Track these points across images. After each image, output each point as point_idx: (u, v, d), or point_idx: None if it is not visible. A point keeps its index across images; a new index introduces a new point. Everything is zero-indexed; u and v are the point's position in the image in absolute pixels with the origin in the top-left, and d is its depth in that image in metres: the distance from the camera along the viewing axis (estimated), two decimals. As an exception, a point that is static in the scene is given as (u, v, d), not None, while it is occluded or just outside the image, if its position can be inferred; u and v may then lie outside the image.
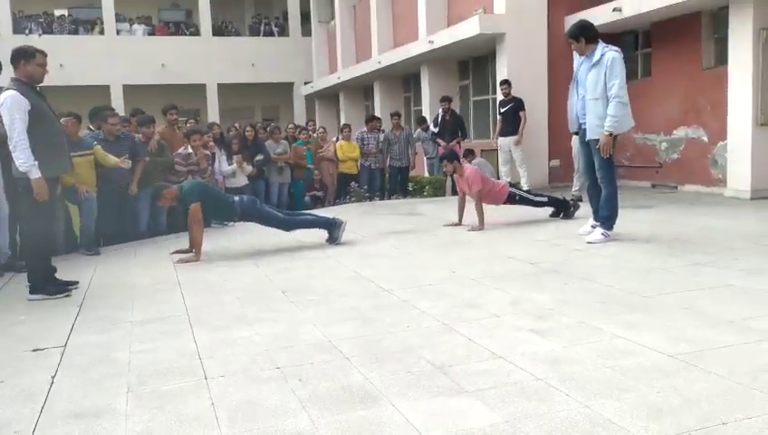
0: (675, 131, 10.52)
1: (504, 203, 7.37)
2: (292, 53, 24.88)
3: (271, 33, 26.27)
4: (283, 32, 26.47)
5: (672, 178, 10.60)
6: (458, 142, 11.63)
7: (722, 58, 9.39)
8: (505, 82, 10.84)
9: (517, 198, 7.42)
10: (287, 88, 25.46)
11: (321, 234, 6.71)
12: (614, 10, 10.28)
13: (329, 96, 22.53)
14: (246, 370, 3.09)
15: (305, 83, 23.95)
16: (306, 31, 24.96)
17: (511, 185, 7.67)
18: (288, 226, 6.65)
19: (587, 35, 5.82)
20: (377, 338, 3.46)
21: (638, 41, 11.44)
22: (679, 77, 10.33)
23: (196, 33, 25.03)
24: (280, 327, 3.78)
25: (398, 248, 6.30)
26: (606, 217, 5.97)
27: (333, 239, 6.62)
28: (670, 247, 5.56)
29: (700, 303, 3.79)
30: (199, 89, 23.63)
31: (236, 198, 6.58)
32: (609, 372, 2.81)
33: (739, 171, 8.89)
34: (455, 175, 7.38)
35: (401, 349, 3.26)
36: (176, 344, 3.56)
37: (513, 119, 10.74)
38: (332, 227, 6.64)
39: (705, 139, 9.93)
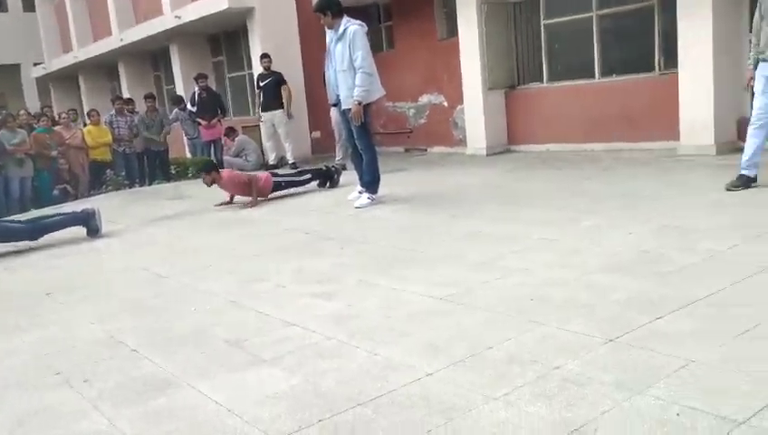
0: (420, 98, 11.46)
1: (272, 192, 7.36)
2: (14, 31, 22.03)
3: (-17, 9, 22.95)
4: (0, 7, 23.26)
5: (422, 141, 11.57)
6: (219, 120, 11.40)
7: (453, 30, 10.39)
8: (266, 56, 10.81)
9: (283, 184, 7.50)
10: (12, 70, 22.53)
11: (78, 230, 6.19)
12: (356, -15, 10.77)
13: (66, 78, 20.42)
14: (21, 383, 2.81)
15: (35, 65, 21.39)
16: (28, 6, 22.20)
17: (273, 174, 7.64)
18: (32, 234, 5.97)
19: (333, 10, 6.07)
20: (163, 325, 3.36)
21: (380, 14, 12.15)
22: (419, 48, 11.22)
23: None
24: (51, 331, 3.47)
25: (171, 233, 6.08)
26: (369, 183, 6.37)
27: (93, 231, 6.15)
28: (428, 205, 6.13)
29: (458, 250, 4.29)
30: None
31: None
32: (391, 321, 3.08)
33: (475, 132, 10.01)
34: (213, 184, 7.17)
35: (192, 331, 3.21)
36: None
37: (274, 93, 10.78)
38: (87, 220, 6.13)
39: (446, 104, 10.99)
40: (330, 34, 6.25)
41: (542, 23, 9.45)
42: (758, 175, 5.16)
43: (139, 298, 3.93)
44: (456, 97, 10.54)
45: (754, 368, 2.19)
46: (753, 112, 5.11)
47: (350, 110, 6.15)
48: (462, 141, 10.59)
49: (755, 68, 5.08)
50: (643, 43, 8.33)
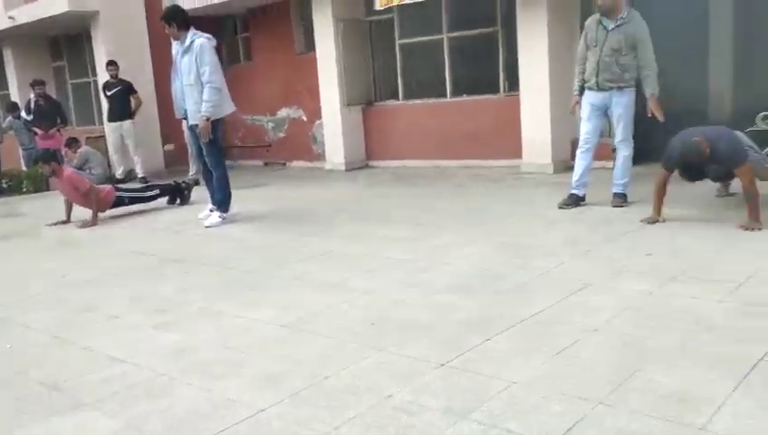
0: (278, 112, 11.32)
1: (113, 207, 6.92)
2: None
3: None
4: None
5: (281, 155, 11.43)
6: (59, 130, 10.59)
7: (311, 44, 10.38)
8: (112, 63, 10.19)
9: (127, 200, 7.07)
10: None
11: None
12: (213, -6, 10.47)
13: None
14: None
15: None
16: None
17: (117, 189, 7.17)
18: None
19: (178, 20, 5.84)
20: (-28, 369, 3.01)
21: (236, 25, 11.90)
22: (277, 61, 11.10)
23: None
24: None
25: (-6, 258, 5.52)
26: (220, 201, 6.17)
27: None
28: (283, 223, 6.04)
29: (308, 271, 4.24)
30: None
31: None
32: (230, 352, 2.97)
33: (334, 147, 10.04)
34: (52, 178, 6.68)
35: (5, 373, 2.90)
36: None
37: (122, 102, 10.19)
38: None
39: (305, 118, 10.94)
40: (176, 46, 6.01)
41: (397, 42, 9.68)
42: (586, 194, 5.58)
43: (-54, 336, 3.51)
44: (315, 111, 10.53)
45: (568, 386, 2.32)
46: (581, 137, 5.53)
47: (196, 126, 5.94)
48: (321, 156, 10.59)
49: (580, 94, 5.51)
50: (489, 66, 8.77)
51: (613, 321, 2.93)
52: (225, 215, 6.16)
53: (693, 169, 4.46)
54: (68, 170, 6.72)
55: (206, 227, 6.01)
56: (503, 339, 2.83)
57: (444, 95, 9.28)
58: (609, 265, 3.81)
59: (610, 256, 3.99)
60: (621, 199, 5.43)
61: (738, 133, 4.79)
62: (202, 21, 10.14)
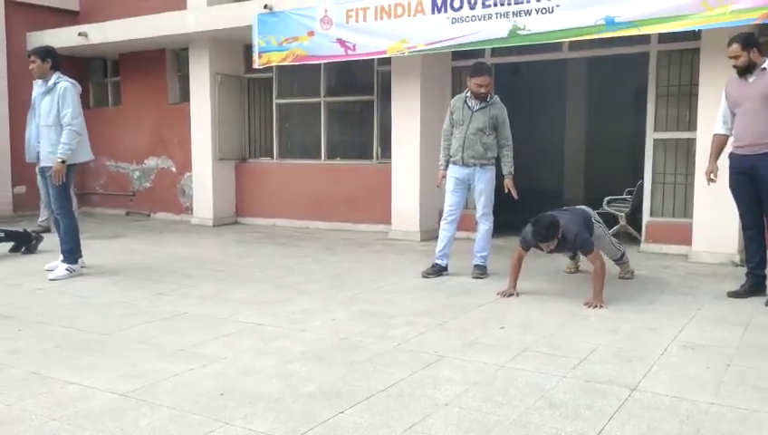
0: (146, 161, 10.88)
1: None
2: None
3: None
4: None
5: (146, 206, 10.92)
6: None
7: (186, 95, 10.16)
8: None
9: None
10: None
11: None
12: (80, 34, 10.05)
13: None
14: None
15: None
16: None
17: None
18: None
19: (54, 60, 5.70)
20: None
21: (107, 68, 11.44)
22: (149, 108, 10.74)
23: None
24: None
25: None
26: (68, 251, 5.75)
27: None
28: (137, 278, 5.70)
29: (156, 334, 3.99)
30: None
31: None
32: (58, 424, 2.69)
33: (203, 201, 9.75)
34: None
35: None
36: None
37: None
38: None
39: (174, 169, 10.58)
40: (37, 87, 5.73)
41: (275, 101, 9.70)
42: (449, 264, 5.75)
43: None
44: (186, 163, 10.22)
45: (415, 465, 2.30)
46: (445, 208, 5.74)
47: (48, 167, 5.60)
48: (189, 209, 10.24)
49: (446, 168, 5.75)
50: (364, 133, 8.99)
51: (463, 395, 2.97)
52: (73, 267, 5.73)
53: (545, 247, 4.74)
54: None
55: (51, 279, 5.55)
56: (354, 413, 2.77)
57: (318, 157, 9.36)
58: (463, 336, 3.90)
59: (466, 328, 4.09)
60: (481, 271, 5.64)
61: (589, 211, 5.18)
62: (69, 60, 9.66)
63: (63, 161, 5.53)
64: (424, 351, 3.62)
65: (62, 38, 10.14)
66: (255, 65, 8.54)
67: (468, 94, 5.60)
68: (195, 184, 9.90)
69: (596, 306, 4.53)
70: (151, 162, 10.85)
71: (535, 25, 6.41)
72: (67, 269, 5.68)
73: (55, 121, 5.57)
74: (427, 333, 3.99)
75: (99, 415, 2.78)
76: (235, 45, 9.66)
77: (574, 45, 7.20)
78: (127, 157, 10.99)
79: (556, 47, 7.24)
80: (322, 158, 9.33)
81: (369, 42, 7.48)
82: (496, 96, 5.63)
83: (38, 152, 5.71)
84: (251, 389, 3.07)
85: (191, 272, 6.01)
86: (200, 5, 9.24)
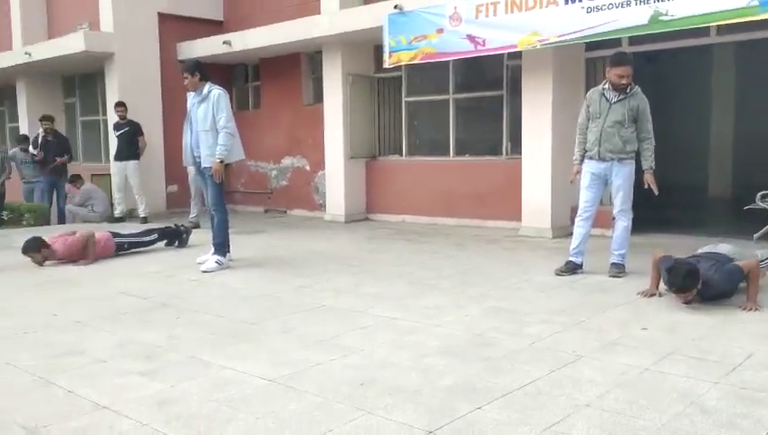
0: (283, 160, 11.44)
1: (117, 254, 6.88)
2: None
3: None
4: None
5: (282, 203, 11.49)
6: (67, 159, 10.67)
7: (319, 96, 10.58)
8: (121, 105, 10.35)
9: (126, 245, 7.05)
10: None
11: None
12: (224, 43, 10.73)
13: None
14: None
15: None
16: None
17: (115, 235, 7.05)
18: None
19: (202, 73, 6.15)
20: (-49, 407, 2.96)
21: (248, 73, 12.14)
22: (285, 110, 11.29)
23: None
24: None
25: (-14, 292, 5.48)
26: (219, 245, 6.19)
27: None
28: (278, 272, 6.03)
29: (298, 325, 4.21)
30: None
31: None
32: (215, 404, 2.92)
33: (335, 198, 10.11)
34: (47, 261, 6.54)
35: (-16, 416, 2.85)
36: None
37: (128, 143, 10.31)
38: None
39: (308, 168, 11.04)
40: (191, 98, 6.24)
41: (404, 99, 9.85)
42: (584, 262, 5.58)
43: (-71, 371, 3.46)
44: (319, 162, 10.64)
45: (558, 465, 2.27)
46: (580, 205, 5.57)
47: (208, 168, 6.09)
48: (322, 206, 10.64)
49: (581, 163, 5.57)
50: (493, 128, 8.90)
51: (605, 396, 2.89)
52: (222, 259, 6.16)
53: None
54: (58, 244, 6.59)
55: (203, 271, 6.00)
56: (491, 409, 2.78)
57: (447, 154, 9.39)
58: (602, 336, 3.78)
59: (604, 328, 3.96)
60: (619, 269, 5.42)
61: (733, 249, 4.73)
62: (215, 67, 10.38)
63: (222, 161, 6.01)
64: (561, 350, 3.55)
65: (209, 47, 10.93)
66: (385, 65, 8.72)
67: (606, 86, 5.40)
68: (327, 182, 10.28)
69: (752, 309, 4.22)
70: (287, 161, 11.39)
71: (679, 10, 6.06)
72: (217, 262, 6.11)
73: (211, 126, 6.04)
74: (564, 332, 3.91)
75: (251, 398, 2.98)
76: (366, 46, 9.91)
77: (723, 29, 6.72)
78: (265, 156, 11.61)
79: (702, 32, 6.79)
80: (451, 154, 9.35)
81: (499, 36, 7.40)
82: (637, 87, 5.37)
83: (195, 156, 6.20)
84: (389, 381, 3.16)
85: (327, 266, 6.26)
86: (333, 9, 9.56)
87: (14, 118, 14.02)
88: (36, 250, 6.45)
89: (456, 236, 8.08)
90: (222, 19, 12.13)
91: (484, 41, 7.55)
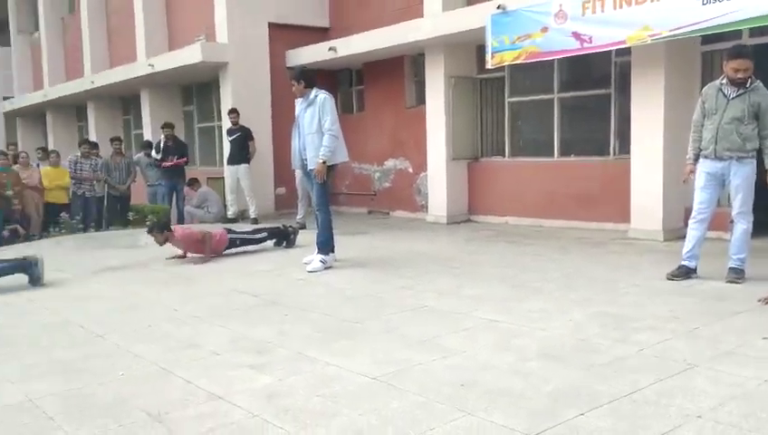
0: (385, 162, 11.62)
1: (226, 250, 7.28)
2: (-13, 65, 21.91)
3: (-42, 40, 22.77)
4: (-25, 40, 23.21)
5: (385, 204, 11.67)
6: (185, 160, 11.33)
7: (421, 98, 10.66)
8: (233, 111, 10.90)
9: (238, 241, 7.44)
10: (-19, 102, 22.29)
11: (21, 278, 6.02)
12: (330, 49, 11.05)
13: (34, 115, 20.27)
14: None
15: (4, 99, 21.23)
16: (4, 40, 22.16)
17: (229, 231, 7.50)
18: None
19: (307, 80, 6.38)
20: (86, 391, 3.26)
21: (352, 78, 12.42)
22: (388, 113, 11.46)
23: None
24: (-32, 390, 3.34)
25: (115, 287, 5.96)
26: (323, 243, 6.42)
27: (35, 281, 5.98)
28: (380, 272, 6.15)
29: (400, 325, 4.28)
30: None
31: None
32: (320, 400, 3.04)
33: (437, 199, 10.15)
34: (167, 243, 7.06)
35: (113, 400, 3.12)
36: None
37: (240, 147, 10.83)
38: (28, 268, 5.97)
39: (411, 170, 11.15)
40: (299, 104, 6.50)
41: (507, 100, 9.74)
42: (698, 266, 5.30)
43: (69, 359, 3.81)
44: (421, 164, 10.72)
45: (665, 476, 2.20)
46: (694, 206, 5.29)
47: (314, 169, 6.31)
48: (424, 207, 10.72)
49: (695, 163, 5.29)
50: (600, 128, 8.63)
51: (718, 408, 2.75)
52: (326, 258, 6.36)
53: None
54: (178, 231, 7.13)
55: (309, 271, 6.22)
56: (595, 416, 2.72)
57: (551, 154, 9.19)
58: (717, 345, 3.59)
59: (720, 337, 3.76)
60: (737, 275, 5.11)
61: None
62: (321, 73, 10.69)
63: (324, 162, 6.22)
64: (671, 358, 3.40)
65: (315, 54, 11.30)
66: (488, 66, 8.67)
67: (724, 81, 5.10)
68: (430, 183, 10.34)
69: None
70: (390, 163, 11.56)
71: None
72: (321, 261, 6.32)
73: (318, 129, 6.27)
74: (674, 339, 3.74)
75: (355, 395, 3.08)
76: (468, 47, 9.88)
77: None
78: (369, 159, 11.84)
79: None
80: (555, 155, 9.15)
81: (607, 33, 7.17)
82: (758, 81, 5.04)
83: (302, 159, 6.45)
84: (490, 383, 3.16)
85: (429, 268, 6.31)
86: (436, 11, 9.61)
87: (139, 125, 15.10)
88: (160, 231, 6.99)
89: (561, 239, 7.90)
90: (328, 26, 12.49)
91: (590, 38, 7.34)
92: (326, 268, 6.30)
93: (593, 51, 7.49)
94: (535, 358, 3.51)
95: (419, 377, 3.29)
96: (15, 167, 10.67)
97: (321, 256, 6.37)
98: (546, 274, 5.83)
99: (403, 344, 3.86)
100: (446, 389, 3.11)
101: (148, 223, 10.88)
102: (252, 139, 10.87)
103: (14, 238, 9.74)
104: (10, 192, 10.00)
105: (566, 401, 2.90)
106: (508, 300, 4.87)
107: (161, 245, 7.05)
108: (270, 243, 7.76)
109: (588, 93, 8.84)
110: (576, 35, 7.45)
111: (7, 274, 5.91)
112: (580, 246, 7.36)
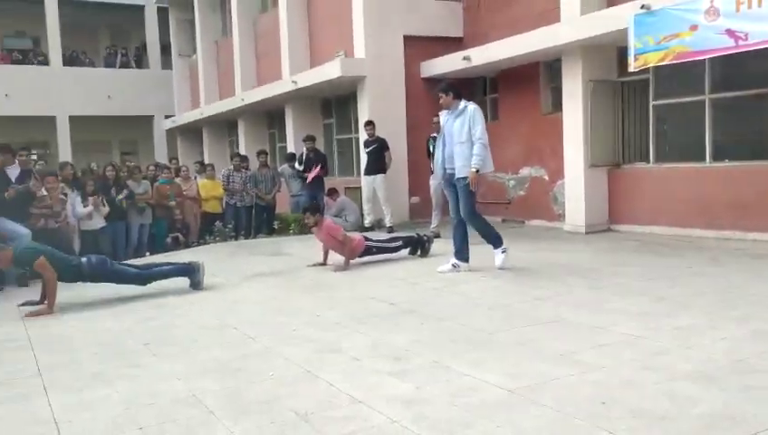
0: (520, 170, 11.44)
1: (362, 256, 7.54)
2: (152, 86, 24.12)
3: (127, 65, 25.31)
4: (141, 63, 25.65)
5: (520, 213, 11.48)
6: (324, 170, 11.83)
7: (558, 105, 10.40)
8: (370, 123, 11.23)
9: (374, 249, 7.68)
10: (146, 121, 24.60)
11: (183, 280, 6.61)
12: (464, 58, 11.09)
13: (191, 131, 22.08)
14: (107, 434, 3.05)
15: (166, 117, 23.32)
16: (167, 63, 24.35)
17: (366, 238, 7.77)
18: (143, 280, 6.45)
19: (455, 92, 6.66)
20: (241, 389, 3.53)
21: (486, 86, 12.37)
22: (522, 120, 11.29)
23: (45, 62, 23.60)
24: (141, 383, 3.74)
25: (264, 292, 6.37)
26: (495, 238, 6.78)
27: (196, 285, 6.55)
28: (515, 283, 6.09)
29: (536, 337, 4.23)
30: (48, 121, 22.25)
31: (83, 260, 6.26)
32: (457, 409, 3.09)
33: (575, 208, 9.84)
34: (314, 229, 7.48)
35: (266, 399, 3.36)
36: (28, 410, 3.41)
37: (376, 158, 11.13)
38: (191, 273, 6.56)
39: (546, 178, 10.90)
40: (445, 115, 6.73)
41: (651, 103, 9.27)
42: None
43: (226, 358, 4.15)
44: (558, 171, 10.45)
45: None
46: None
47: (462, 179, 6.52)
48: (561, 216, 10.43)
49: None
50: (759, 130, 7.97)
51: None
52: (502, 256, 6.72)
53: None
54: (327, 221, 7.54)
55: (498, 267, 6.63)
56: (752, 443, 2.55)
57: (702, 159, 8.62)
58: None
59: None
60: None
61: None
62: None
63: (477, 171, 6.39)
64: (843, 385, 3.10)
65: (448, 64, 11.39)
66: (631, 68, 8.30)
67: None
68: (567, 191, 10.05)
69: None
70: (525, 171, 11.37)
71: None
72: (502, 251, 6.68)
73: (467, 139, 6.47)
74: None
75: (491, 407, 3.10)
76: (608, 50, 9.52)
77: None
78: (503, 167, 11.69)
79: None
80: (707, 160, 8.56)
81: (765, 29, 6.63)
82: None
83: (447, 169, 6.67)
84: (633, 402, 3.05)
85: (566, 279, 6.15)
86: (573, 15, 9.36)
87: (283, 138, 15.99)
88: (313, 213, 7.45)
89: (713, 250, 7.38)
90: (461, 36, 12.54)
91: (746, 35, 6.82)
92: (455, 271, 6.58)
93: (750, 48, 6.95)
94: (683, 378, 3.34)
95: (557, 392, 3.24)
96: (177, 180, 11.69)
97: (498, 251, 6.73)
98: (696, 288, 5.49)
99: (539, 357, 3.81)
100: (586, 405, 3.04)
101: (291, 231, 11.55)
102: (387, 149, 11.13)
103: (176, 246, 10.68)
104: (173, 203, 10.98)
105: (717, 425, 2.74)
106: (653, 315, 4.64)
107: (310, 226, 7.52)
108: (405, 251, 7.93)
109: (744, 93, 8.20)
110: (730, 33, 6.96)
111: (174, 276, 6.55)
112: (737, 258, 6.84)
